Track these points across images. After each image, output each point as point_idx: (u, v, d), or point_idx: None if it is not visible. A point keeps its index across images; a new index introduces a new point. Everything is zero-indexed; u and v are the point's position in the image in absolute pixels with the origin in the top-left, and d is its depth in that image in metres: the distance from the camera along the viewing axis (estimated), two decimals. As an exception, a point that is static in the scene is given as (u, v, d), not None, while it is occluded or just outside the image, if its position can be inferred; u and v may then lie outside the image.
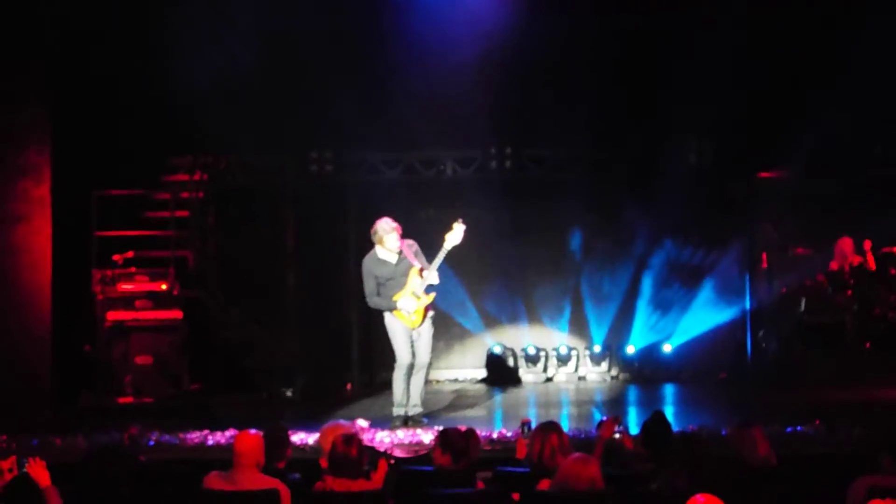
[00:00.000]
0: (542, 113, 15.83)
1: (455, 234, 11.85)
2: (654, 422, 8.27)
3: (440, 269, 11.91)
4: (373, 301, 12.02)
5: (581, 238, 16.84)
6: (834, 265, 15.22)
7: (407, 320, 11.89)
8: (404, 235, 11.93)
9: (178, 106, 14.56)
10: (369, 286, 11.96)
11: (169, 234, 15.06)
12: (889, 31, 13.87)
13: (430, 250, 12.00)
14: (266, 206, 16.40)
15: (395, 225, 11.83)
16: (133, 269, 14.49)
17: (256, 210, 16.41)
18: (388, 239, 11.81)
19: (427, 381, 12.37)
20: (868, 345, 15.01)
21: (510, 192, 16.62)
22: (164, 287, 14.39)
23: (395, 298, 11.86)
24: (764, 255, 16.34)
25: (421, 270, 11.90)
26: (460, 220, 11.89)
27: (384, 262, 11.91)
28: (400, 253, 11.87)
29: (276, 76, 15.14)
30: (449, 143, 16.28)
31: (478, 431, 8.51)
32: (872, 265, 15.08)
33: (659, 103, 15.33)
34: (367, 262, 12.01)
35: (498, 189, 16.40)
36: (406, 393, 12.00)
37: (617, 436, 8.23)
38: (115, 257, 14.52)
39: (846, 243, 15.14)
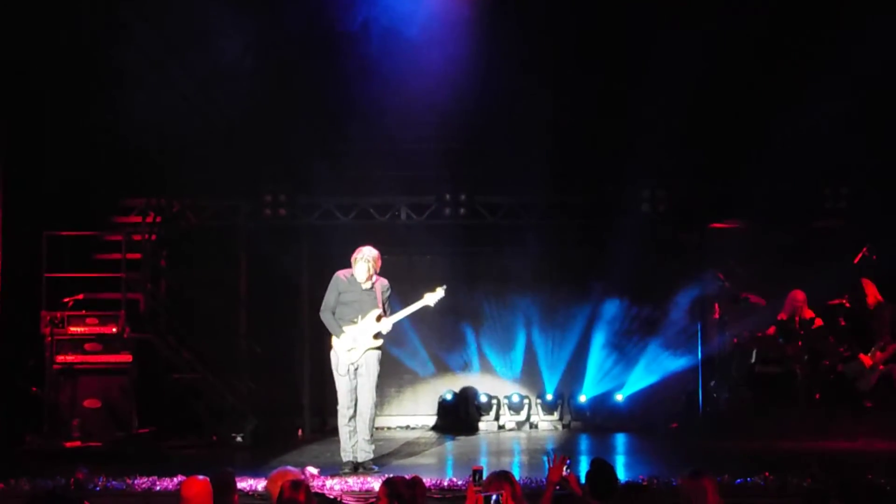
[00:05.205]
0: (497, 161, 15.90)
1: (433, 297, 12.13)
2: (596, 469, 8.24)
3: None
4: (326, 316, 12.04)
5: (534, 286, 16.85)
6: (783, 315, 15.30)
7: (345, 349, 11.87)
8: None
9: (131, 147, 14.52)
10: (330, 299, 12.04)
11: (120, 276, 14.91)
12: (837, 87, 14.11)
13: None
14: (219, 249, 16.29)
15: (375, 254, 11.91)
16: (83, 312, 14.37)
17: (209, 253, 16.30)
18: (359, 269, 11.84)
19: (376, 427, 12.29)
20: (818, 395, 15.08)
21: (464, 239, 16.65)
22: (114, 330, 14.29)
23: (344, 328, 11.90)
24: (716, 306, 16.40)
25: (379, 316, 11.93)
26: (444, 287, 12.16)
27: (357, 282, 11.93)
28: (372, 286, 11.90)
29: (230, 118, 15.11)
30: (403, 189, 16.27)
31: (428, 479, 8.46)
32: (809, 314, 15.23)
33: (612, 152, 15.45)
34: (339, 275, 12.08)
35: (451, 236, 16.44)
36: (352, 437, 11.98)
37: (566, 472, 8.16)
38: (66, 299, 14.41)
39: (797, 295, 15.23)
